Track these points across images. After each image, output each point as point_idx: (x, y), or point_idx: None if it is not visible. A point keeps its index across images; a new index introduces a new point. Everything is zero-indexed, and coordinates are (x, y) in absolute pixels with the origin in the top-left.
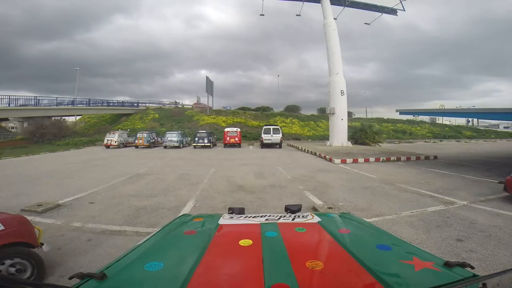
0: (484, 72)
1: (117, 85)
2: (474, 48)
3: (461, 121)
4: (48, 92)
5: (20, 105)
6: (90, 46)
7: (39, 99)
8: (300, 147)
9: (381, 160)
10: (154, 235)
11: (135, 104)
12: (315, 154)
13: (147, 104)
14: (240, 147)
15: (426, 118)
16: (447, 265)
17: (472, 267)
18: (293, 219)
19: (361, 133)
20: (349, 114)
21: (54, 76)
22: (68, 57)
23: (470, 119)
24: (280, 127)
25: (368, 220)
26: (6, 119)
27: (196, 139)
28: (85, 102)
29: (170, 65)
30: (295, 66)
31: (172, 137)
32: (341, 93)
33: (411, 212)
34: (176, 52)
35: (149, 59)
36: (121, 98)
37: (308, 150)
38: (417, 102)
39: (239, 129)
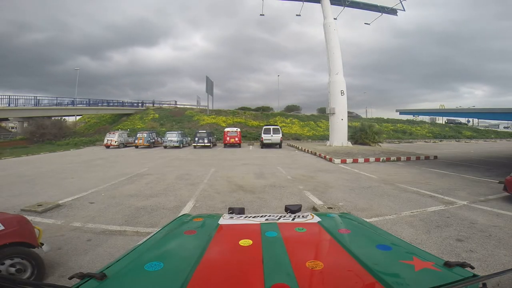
0: (461, 78)
1: (128, 91)
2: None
3: (461, 121)
4: (66, 95)
5: (20, 105)
6: (110, 61)
7: (39, 99)
8: (300, 147)
9: (381, 160)
10: (154, 235)
11: (135, 104)
12: (315, 154)
13: (147, 104)
14: (240, 147)
15: (426, 118)
16: (447, 265)
17: (472, 267)
18: (293, 219)
19: (361, 133)
20: (349, 114)
21: (73, 83)
22: (91, 68)
23: (470, 119)
24: (280, 127)
25: (368, 220)
26: (6, 119)
27: (196, 139)
28: (85, 102)
29: (170, 76)
30: (275, 73)
31: (172, 137)
32: (341, 93)
33: (411, 212)
34: (177, 66)
35: (152, 73)
36: (121, 99)
37: (308, 150)
38: (402, 104)
39: (239, 129)
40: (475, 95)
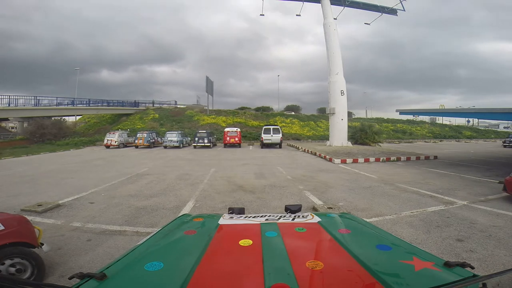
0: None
1: (137, 96)
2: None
3: (461, 121)
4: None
5: (20, 105)
6: (124, 72)
7: (39, 99)
8: (300, 147)
9: (381, 160)
10: (154, 235)
11: (135, 104)
12: (315, 154)
13: (147, 104)
14: (240, 147)
15: (426, 118)
16: (447, 265)
17: (472, 267)
18: (293, 219)
19: (361, 133)
20: (349, 114)
21: (91, 88)
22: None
23: (470, 119)
24: (280, 127)
25: (368, 220)
26: (6, 119)
27: (196, 139)
28: (85, 102)
29: (171, 85)
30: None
31: (172, 137)
32: (341, 93)
33: (411, 212)
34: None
35: (156, 82)
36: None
37: (308, 150)
38: (388, 105)
39: (239, 129)
40: (450, 99)
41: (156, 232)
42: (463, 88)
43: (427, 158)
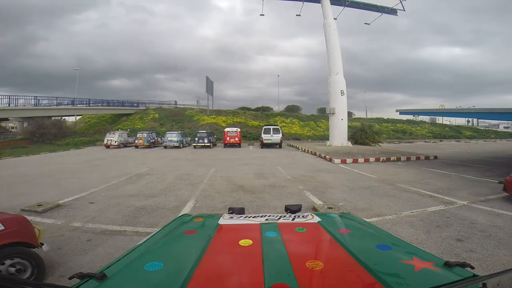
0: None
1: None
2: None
3: (461, 121)
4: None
5: (20, 105)
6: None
7: (39, 99)
8: (300, 147)
9: (381, 160)
10: (154, 235)
11: (135, 104)
12: (315, 154)
13: (147, 104)
14: (240, 147)
15: (426, 118)
16: (447, 265)
17: (472, 267)
18: (293, 219)
19: (361, 133)
20: (349, 114)
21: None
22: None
23: (470, 119)
24: (280, 127)
25: (368, 220)
26: (6, 119)
27: (196, 139)
28: (85, 102)
29: (172, 91)
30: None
31: (172, 137)
32: (341, 93)
33: (411, 212)
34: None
35: (158, 87)
36: (121, 98)
37: (308, 150)
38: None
39: (239, 129)
40: (438, 100)
41: (156, 232)
42: (445, 91)
43: (427, 158)
